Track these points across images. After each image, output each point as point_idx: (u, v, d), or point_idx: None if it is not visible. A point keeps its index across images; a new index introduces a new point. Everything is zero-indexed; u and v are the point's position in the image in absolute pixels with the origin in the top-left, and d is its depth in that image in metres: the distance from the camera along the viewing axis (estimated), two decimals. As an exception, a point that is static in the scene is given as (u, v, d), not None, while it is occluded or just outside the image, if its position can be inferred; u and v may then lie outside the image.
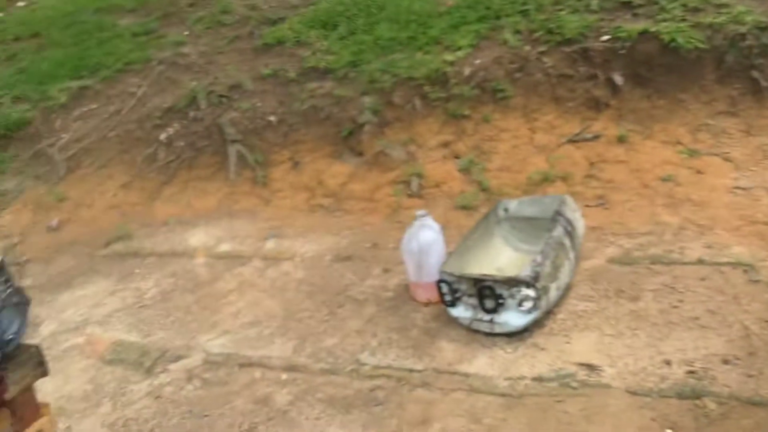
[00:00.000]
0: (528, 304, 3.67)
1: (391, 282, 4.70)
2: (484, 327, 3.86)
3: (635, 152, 5.44)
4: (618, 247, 4.46)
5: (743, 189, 4.77)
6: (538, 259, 3.74)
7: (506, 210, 4.50)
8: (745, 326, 3.61)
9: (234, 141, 6.46)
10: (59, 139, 7.35)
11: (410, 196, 5.70)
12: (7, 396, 1.92)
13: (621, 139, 5.55)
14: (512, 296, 3.69)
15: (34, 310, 4.96)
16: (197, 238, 5.75)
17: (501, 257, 4.43)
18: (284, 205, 6.11)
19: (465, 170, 5.80)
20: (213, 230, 5.89)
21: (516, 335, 3.86)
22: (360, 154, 6.29)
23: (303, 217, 5.86)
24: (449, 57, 6.33)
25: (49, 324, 4.83)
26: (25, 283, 5.51)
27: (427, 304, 4.31)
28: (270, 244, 5.49)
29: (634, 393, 3.34)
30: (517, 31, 6.40)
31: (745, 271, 4.00)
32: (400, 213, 5.57)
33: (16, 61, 8.63)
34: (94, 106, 7.59)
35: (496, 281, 3.69)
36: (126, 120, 7.25)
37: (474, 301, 3.81)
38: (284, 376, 3.98)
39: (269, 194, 6.29)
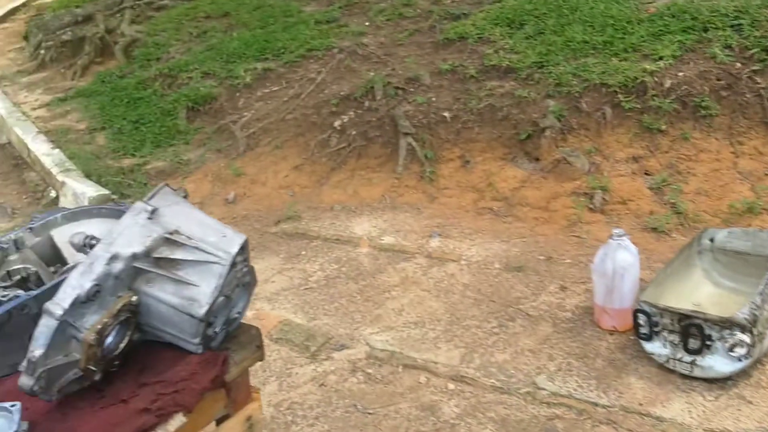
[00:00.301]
0: (740, 351, 3.23)
1: (568, 302, 4.37)
2: (683, 368, 3.45)
3: None
4: None
5: None
6: (757, 300, 3.29)
7: (711, 240, 4.03)
8: None
9: (406, 134, 6.34)
10: (241, 117, 7.59)
11: (591, 210, 5.31)
12: (228, 377, 1.84)
13: None
14: (723, 339, 3.27)
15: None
16: (361, 227, 5.69)
17: (699, 292, 3.98)
18: (450, 203, 5.92)
19: (656, 189, 5.32)
20: (376, 221, 5.81)
21: (718, 382, 3.42)
22: (536, 159, 5.97)
23: (470, 219, 5.64)
24: (649, 66, 5.85)
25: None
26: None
27: (612, 332, 3.95)
28: (434, 243, 5.31)
29: None
30: (728, 46, 5.82)
31: None
32: (578, 227, 5.20)
33: (206, 39, 9.04)
34: (275, 88, 7.78)
35: (707, 320, 3.28)
36: (304, 104, 7.34)
37: (675, 338, 3.42)
38: (451, 385, 3.78)
39: (435, 191, 6.12)
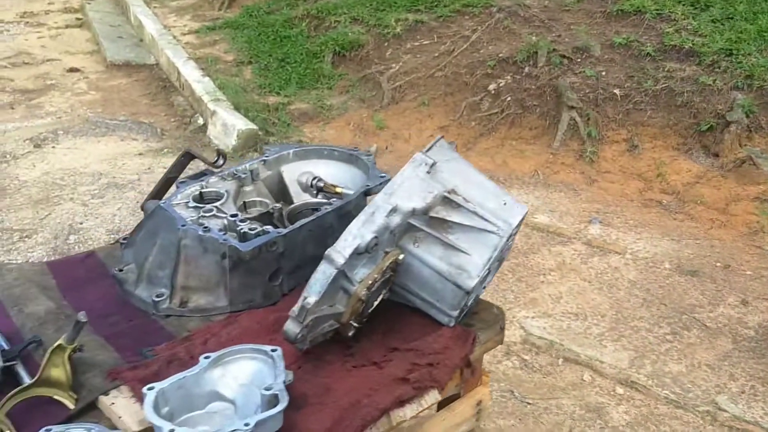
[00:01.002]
0: None
1: (751, 318, 3.95)
2: None
3: None
4: None
5: None
6: None
7: None
8: None
9: (571, 107, 5.92)
10: (388, 68, 7.35)
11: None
12: (472, 357, 1.61)
13: None
14: None
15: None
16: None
17: None
18: (612, 189, 5.50)
19: None
20: (527, 197, 5.47)
21: None
22: (715, 155, 5.45)
23: (634, 209, 5.22)
24: None
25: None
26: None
27: (805, 359, 3.51)
28: (594, 229, 4.94)
29: None
30: None
31: None
32: (760, 236, 4.71)
33: (359, -18, 8.79)
34: (426, 42, 7.48)
35: None
36: (456, 62, 7.02)
37: None
38: (620, 390, 3.47)
39: (595, 173, 5.71)
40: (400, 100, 7.01)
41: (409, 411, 1.53)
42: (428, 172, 1.56)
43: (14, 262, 4.15)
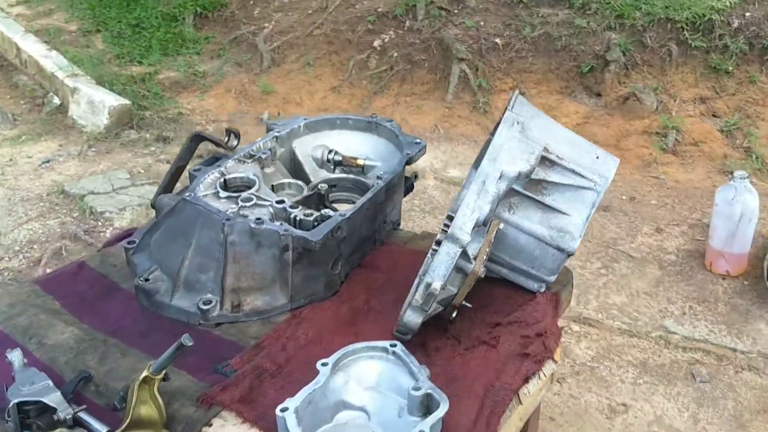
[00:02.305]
0: None
1: (669, 243, 4.26)
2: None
3: None
4: None
5: None
6: None
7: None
8: None
9: (461, 59, 5.98)
10: (261, 28, 7.00)
11: (664, 150, 5.18)
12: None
13: None
14: None
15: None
16: (422, 158, 5.36)
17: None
18: (510, 137, 5.66)
19: (727, 133, 5.23)
20: (435, 152, 5.50)
21: None
22: (598, 94, 5.76)
23: (534, 154, 5.41)
24: (717, 4, 5.67)
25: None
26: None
27: (725, 276, 3.87)
28: (505, 177, 5.06)
29: None
30: (795, -13, 5.69)
31: None
32: (653, 168, 5.08)
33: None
34: (295, -1, 7.19)
35: None
36: (333, 19, 6.82)
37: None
38: (575, 327, 3.62)
39: (490, 123, 5.83)
40: (282, 62, 6.72)
41: (532, 387, 1.47)
42: (521, 132, 1.47)
43: None
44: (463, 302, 1.44)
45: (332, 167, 2.00)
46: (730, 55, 5.53)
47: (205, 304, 1.61)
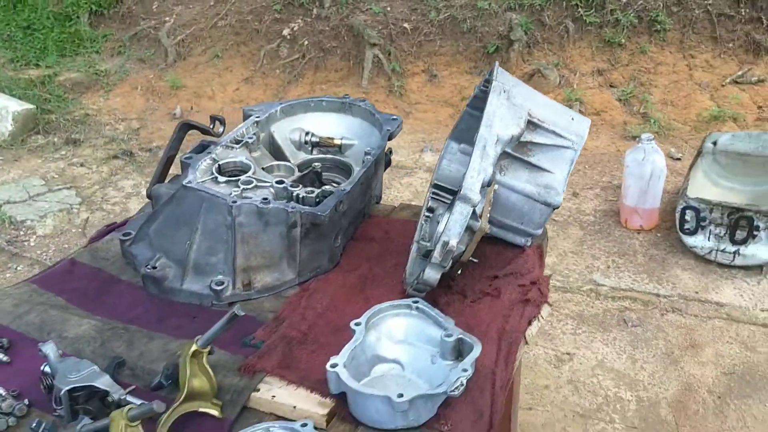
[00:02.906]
0: (786, 238, 3.62)
1: (585, 206, 4.60)
2: (724, 258, 3.81)
3: (805, 99, 5.40)
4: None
5: None
6: (796, 194, 3.69)
7: (714, 143, 4.40)
8: None
9: (373, 44, 6.12)
10: (162, 22, 6.85)
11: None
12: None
13: (788, 86, 5.49)
14: (769, 229, 3.64)
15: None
16: (345, 142, 5.48)
17: (702, 192, 4.34)
18: (427, 118, 5.88)
19: (624, 101, 5.67)
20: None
21: (754, 269, 3.83)
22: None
23: (451, 132, 5.65)
24: (605, -20, 6.09)
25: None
26: (171, 170, 5.19)
27: (639, 230, 4.24)
28: (428, 157, 5.29)
29: None
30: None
31: None
32: (563, 137, 5.41)
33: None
34: (194, -9, 7.07)
35: (758, 212, 3.63)
36: (237, 9, 6.78)
37: (721, 230, 3.75)
38: (515, 289, 3.85)
39: (407, 106, 6.04)
40: (188, 56, 6.62)
41: (534, 328, 1.63)
42: (507, 99, 1.62)
43: None
44: (470, 258, 1.58)
45: (310, 149, 2.09)
46: (621, 29, 5.96)
47: (217, 285, 1.67)
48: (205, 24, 6.81)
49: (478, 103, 1.84)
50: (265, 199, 1.68)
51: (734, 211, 3.74)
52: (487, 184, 1.49)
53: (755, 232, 3.72)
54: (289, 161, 2.01)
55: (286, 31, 6.48)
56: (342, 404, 1.38)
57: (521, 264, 1.73)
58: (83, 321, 1.60)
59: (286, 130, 2.06)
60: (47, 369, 1.43)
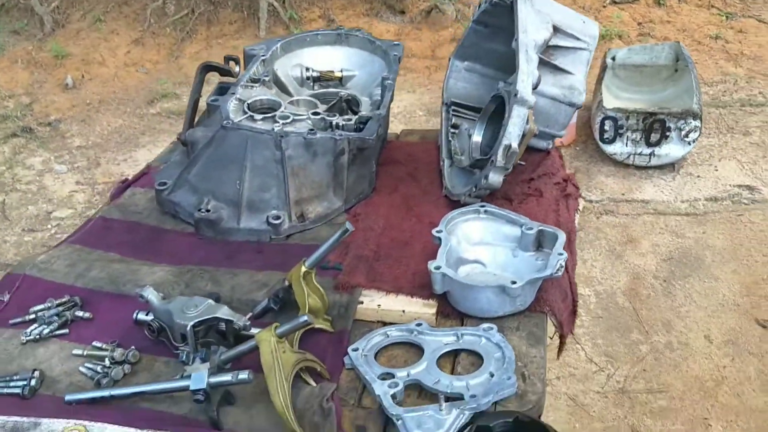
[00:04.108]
0: (693, 135, 4.04)
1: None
2: (641, 161, 4.19)
3: (676, 14, 5.91)
4: (703, 94, 4.93)
5: (788, 45, 5.43)
6: (697, 95, 4.10)
7: (613, 58, 4.76)
8: None
9: (266, -6, 6.00)
10: (31, -12, 6.33)
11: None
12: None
13: (659, 3, 5.98)
14: (679, 129, 4.04)
15: (115, 168, 4.52)
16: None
17: (610, 103, 4.71)
18: (332, 63, 5.88)
19: (519, 29, 5.93)
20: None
21: (667, 167, 4.24)
22: (402, 12, 6.16)
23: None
24: None
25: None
26: (74, 143, 4.92)
27: (559, 147, 4.53)
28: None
29: (798, 205, 3.88)
30: None
31: (825, 108, 4.67)
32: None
33: None
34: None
35: (670, 114, 4.01)
36: (113, -32, 6.39)
37: (638, 135, 4.11)
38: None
39: (309, 53, 6.00)
40: (66, 23, 6.20)
41: (577, 218, 1.79)
42: (532, 6, 1.72)
43: None
44: (518, 161, 1.69)
45: (311, 84, 2.10)
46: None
47: (275, 219, 1.69)
48: (79, -14, 6.35)
49: (486, 18, 1.93)
50: (311, 130, 1.70)
51: (648, 116, 4.09)
52: (534, 86, 1.60)
53: (667, 133, 4.10)
54: (291, 94, 2.02)
55: (170, -13, 6.19)
56: (444, 303, 1.47)
57: (550, 165, 1.87)
58: (154, 269, 1.58)
59: (287, 67, 2.06)
60: (142, 317, 1.42)
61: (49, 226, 4.04)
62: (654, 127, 4.11)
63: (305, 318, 1.24)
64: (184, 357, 1.31)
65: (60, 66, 5.80)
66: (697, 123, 4.06)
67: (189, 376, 1.22)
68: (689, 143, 4.13)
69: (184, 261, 1.62)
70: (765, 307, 3.25)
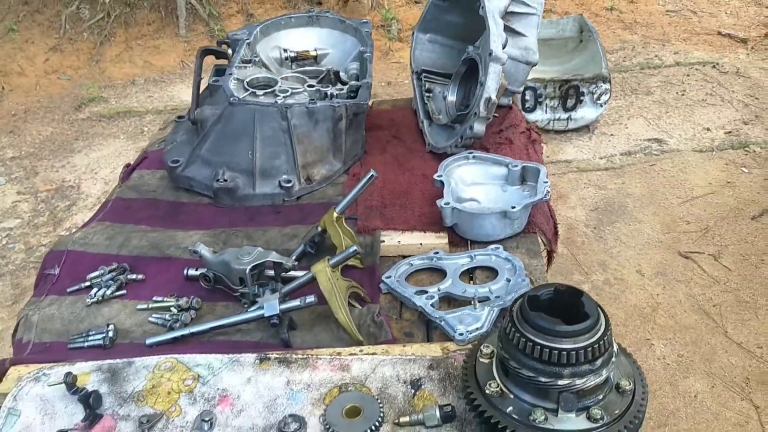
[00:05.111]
0: (604, 98, 4.48)
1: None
2: (560, 125, 4.60)
3: (572, -10, 6.40)
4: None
5: (674, 12, 6.02)
6: (604, 61, 4.54)
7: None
8: (739, 100, 4.86)
9: (184, -8, 6.05)
10: (-69, 1, 6.11)
11: (391, 39, 6.04)
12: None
13: (554, -20, 6.46)
14: (591, 93, 4.46)
15: (55, 175, 4.53)
16: (186, 93, 5.49)
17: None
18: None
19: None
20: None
21: (582, 129, 4.67)
22: (319, 3, 6.36)
23: (285, 67, 5.87)
24: None
25: (95, 184, 4.45)
26: (6, 154, 4.86)
27: (486, 117, 4.89)
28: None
29: (700, 151, 4.40)
30: None
31: (714, 66, 5.25)
32: (392, 55, 5.91)
33: None
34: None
35: (582, 80, 4.42)
36: (17, -24, 6.25)
37: (555, 102, 4.51)
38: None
39: (231, 49, 6.11)
40: (-25, 34, 6.02)
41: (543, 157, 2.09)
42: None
43: None
44: (494, 114, 1.97)
45: (290, 63, 2.30)
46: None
47: (286, 183, 1.89)
48: (-17, -4, 6.18)
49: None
50: (312, 100, 1.91)
51: (564, 83, 4.49)
52: (503, 46, 1.87)
53: (581, 98, 4.52)
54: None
55: (82, -8, 6.13)
56: (453, 234, 1.73)
57: (514, 117, 2.16)
58: (188, 233, 1.75)
59: (267, 49, 2.25)
60: (192, 272, 1.59)
61: (-1, 237, 4.02)
62: (569, 93, 4.52)
63: (354, 247, 1.46)
64: (252, 291, 1.49)
65: (-24, 79, 5.65)
66: (607, 86, 4.50)
67: (261, 307, 1.41)
68: (601, 105, 4.56)
69: (212, 227, 1.80)
70: (684, 241, 3.69)
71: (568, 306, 1.16)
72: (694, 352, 3.03)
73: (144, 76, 5.73)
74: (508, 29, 2.05)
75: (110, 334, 1.46)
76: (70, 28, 6.01)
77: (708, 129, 4.61)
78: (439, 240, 1.71)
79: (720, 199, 3.96)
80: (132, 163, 2.16)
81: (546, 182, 1.73)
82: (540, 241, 1.74)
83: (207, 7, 6.10)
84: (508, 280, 1.53)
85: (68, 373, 1.26)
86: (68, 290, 1.60)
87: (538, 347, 1.10)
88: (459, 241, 1.72)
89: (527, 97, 4.57)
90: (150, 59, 5.91)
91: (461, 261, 1.63)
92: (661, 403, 2.80)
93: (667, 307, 3.29)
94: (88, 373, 1.33)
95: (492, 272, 1.60)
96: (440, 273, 1.61)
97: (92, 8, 6.12)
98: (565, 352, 1.09)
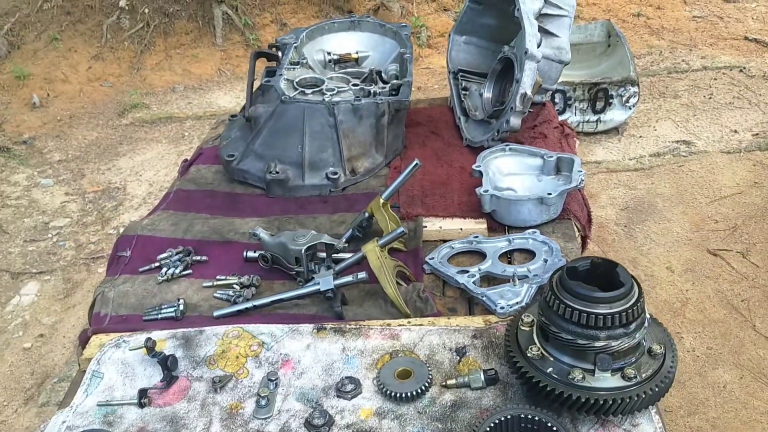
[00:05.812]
0: (633, 101, 4.56)
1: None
2: (589, 127, 4.69)
3: (599, -4, 6.49)
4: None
5: (700, 17, 6.07)
6: (632, 65, 4.63)
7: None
8: (766, 103, 4.90)
9: (220, 2, 6.26)
10: (-19, 13, 6.39)
11: (420, 46, 6.18)
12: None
13: (583, -13, 6.55)
14: (620, 95, 4.55)
15: (101, 177, 4.72)
16: (225, 99, 5.69)
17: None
18: (290, 64, 6.18)
19: (461, 20, 6.39)
20: (235, 92, 5.84)
21: (612, 132, 4.75)
22: (350, 11, 6.52)
23: (318, 74, 6.03)
24: None
25: (140, 186, 4.64)
26: (54, 158, 5.08)
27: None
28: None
29: (727, 152, 4.45)
30: None
31: (741, 70, 5.30)
32: (421, 61, 6.04)
33: None
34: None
35: (611, 83, 4.51)
36: (62, -12, 6.51)
37: (584, 105, 4.60)
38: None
39: (266, 57, 6.29)
40: (22, 44, 6.29)
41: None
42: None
43: None
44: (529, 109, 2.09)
45: (333, 66, 2.44)
46: (441, -42, 6.61)
47: (333, 175, 2.02)
48: (30, 9, 6.46)
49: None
50: (357, 98, 2.05)
51: (593, 86, 4.58)
52: (538, 45, 1.99)
53: (610, 100, 4.61)
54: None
55: (122, 2, 6.37)
56: (491, 220, 1.84)
57: (547, 114, 2.27)
58: (245, 220, 1.89)
59: (312, 52, 2.40)
60: (251, 254, 1.73)
61: (50, 235, 4.21)
62: (598, 96, 4.61)
63: (402, 228, 1.59)
64: (307, 268, 1.63)
65: (23, 86, 5.90)
66: (636, 89, 4.58)
67: (317, 283, 1.55)
68: (630, 108, 4.64)
69: (266, 214, 1.94)
70: (713, 239, 3.76)
71: (603, 276, 1.28)
72: (722, 344, 3.10)
73: (183, 84, 5.94)
74: (541, 30, 2.17)
75: (181, 307, 1.60)
76: (111, 38, 6.24)
77: (735, 131, 4.67)
78: (479, 225, 1.83)
79: (748, 199, 4.02)
80: (189, 159, 2.31)
81: (580, 171, 1.84)
82: (575, 226, 1.85)
83: (243, 17, 6.30)
84: (546, 261, 1.65)
85: (149, 338, 1.40)
86: (140, 270, 1.75)
87: (577, 312, 1.21)
88: (497, 226, 1.84)
89: (557, 100, 4.66)
90: (188, 67, 6.11)
91: (500, 244, 1.74)
92: (691, 392, 2.88)
93: (697, 302, 3.36)
94: (164, 340, 1.47)
95: (529, 254, 1.71)
96: (480, 255, 1.73)
97: (132, 18, 6.35)
98: (601, 317, 1.20)
